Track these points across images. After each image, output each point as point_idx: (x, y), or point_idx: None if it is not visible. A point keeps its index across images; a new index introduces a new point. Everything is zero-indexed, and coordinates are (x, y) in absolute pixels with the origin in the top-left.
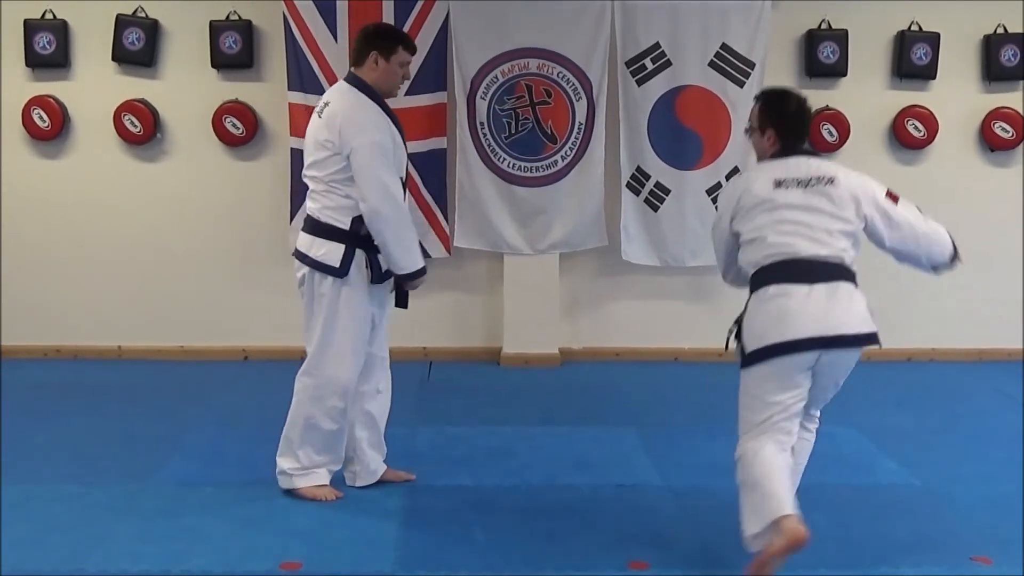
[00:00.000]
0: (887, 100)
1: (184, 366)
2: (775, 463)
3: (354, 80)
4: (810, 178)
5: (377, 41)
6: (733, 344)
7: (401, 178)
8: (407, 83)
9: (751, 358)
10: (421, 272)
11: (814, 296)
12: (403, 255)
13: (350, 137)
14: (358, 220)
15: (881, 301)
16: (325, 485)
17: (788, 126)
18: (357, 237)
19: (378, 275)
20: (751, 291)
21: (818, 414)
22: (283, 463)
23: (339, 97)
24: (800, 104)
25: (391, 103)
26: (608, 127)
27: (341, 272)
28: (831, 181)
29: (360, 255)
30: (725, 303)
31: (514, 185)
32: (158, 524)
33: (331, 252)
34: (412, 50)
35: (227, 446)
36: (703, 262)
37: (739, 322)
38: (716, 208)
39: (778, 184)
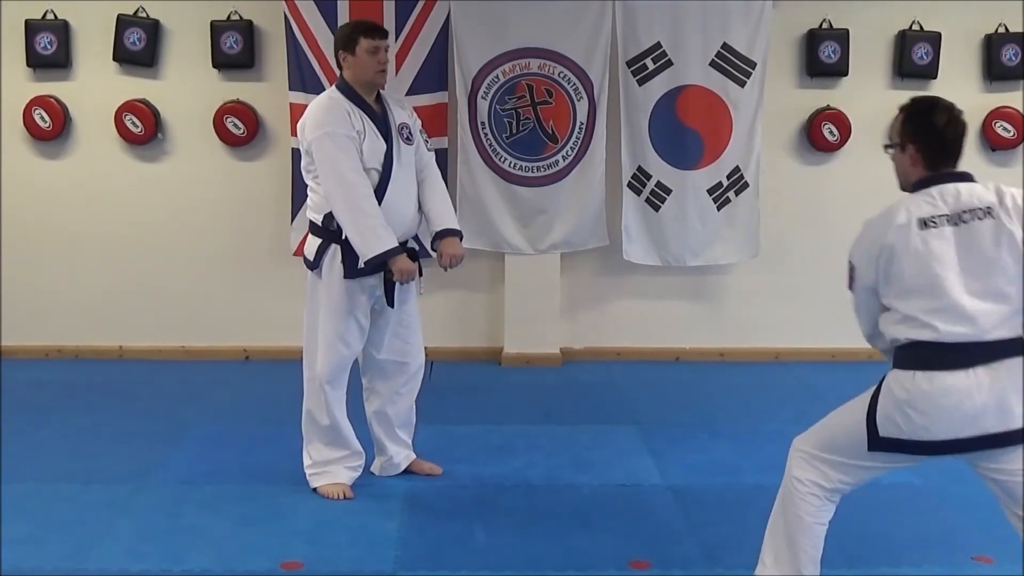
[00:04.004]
0: (888, 100)
1: (185, 366)
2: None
3: (337, 83)
4: (960, 211)
5: (340, 41)
6: None
7: (376, 169)
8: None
9: None
10: (383, 258)
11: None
12: (359, 240)
13: (308, 132)
14: (329, 215)
15: None
16: (339, 483)
17: (937, 142)
18: (329, 231)
19: (351, 270)
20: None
21: None
22: (304, 461)
23: (312, 101)
24: (952, 116)
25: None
26: (609, 127)
27: (313, 265)
28: (989, 211)
29: (335, 249)
30: (726, 303)
31: (515, 185)
32: (158, 523)
33: (310, 246)
34: (375, 35)
35: (228, 445)
36: (704, 262)
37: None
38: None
39: (924, 224)
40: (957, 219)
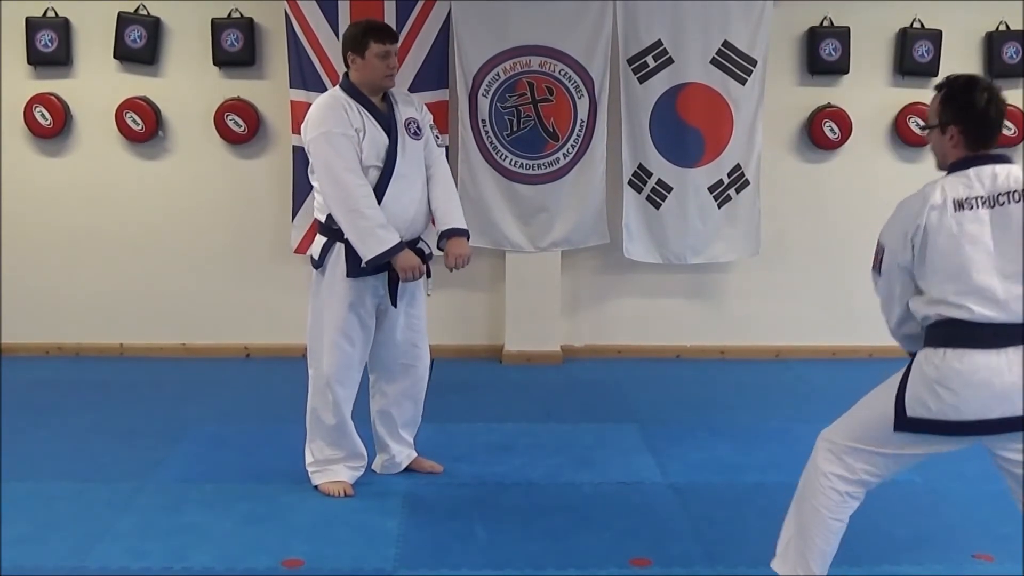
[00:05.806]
0: (889, 97)
1: (186, 363)
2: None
3: (341, 81)
4: (997, 193)
5: (349, 43)
6: None
7: (376, 166)
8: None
9: None
10: (384, 258)
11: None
12: (358, 242)
13: (306, 132)
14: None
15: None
16: (340, 481)
17: (978, 123)
18: (333, 230)
19: (354, 269)
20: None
21: None
22: (306, 459)
23: (314, 101)
24: (992, 94)
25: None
26: (610, 125)
27: (317, 264)
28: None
29: (339, 248)
30: (726, 301)
31: (516, 183)
32: (159, 521)
33: (316, 245)
34: (385, 39)
35: (229, 443)
36: (705, 260)
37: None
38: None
39: (960, 206)
40: (993, 201)
